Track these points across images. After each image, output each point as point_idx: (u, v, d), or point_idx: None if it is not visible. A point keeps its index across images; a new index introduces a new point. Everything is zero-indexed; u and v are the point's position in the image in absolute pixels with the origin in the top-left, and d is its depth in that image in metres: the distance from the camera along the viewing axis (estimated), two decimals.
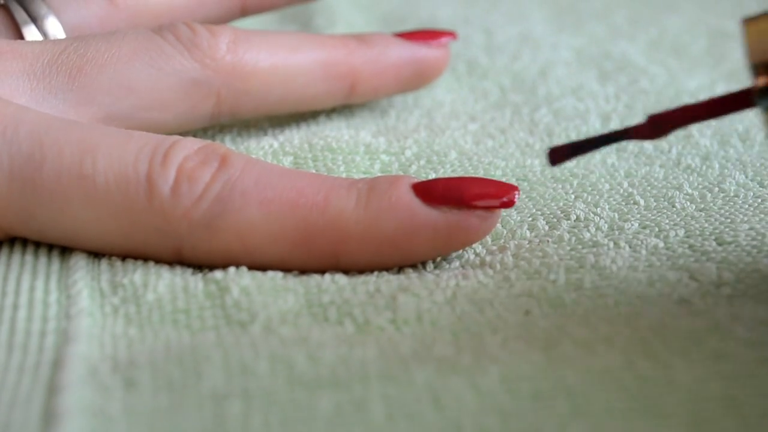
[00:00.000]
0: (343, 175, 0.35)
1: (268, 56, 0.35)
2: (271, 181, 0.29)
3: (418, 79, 0.38)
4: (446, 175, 0.35)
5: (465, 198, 0.29)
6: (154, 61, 0.33)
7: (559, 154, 0.28)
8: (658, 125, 0.27)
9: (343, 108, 0.40)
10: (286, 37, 0.36)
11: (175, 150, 0.29)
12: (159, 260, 0.30)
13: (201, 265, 0.29)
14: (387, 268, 0.30)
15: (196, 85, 0.34)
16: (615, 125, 0.39)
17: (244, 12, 0.38)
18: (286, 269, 0.29)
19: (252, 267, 0.29)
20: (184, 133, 0.38)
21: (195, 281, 0.29)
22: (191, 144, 0.29)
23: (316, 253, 0.29)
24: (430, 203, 0.29)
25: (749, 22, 0.25)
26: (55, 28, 0.35)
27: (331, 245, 0.29)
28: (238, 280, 0.29)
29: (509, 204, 0.29)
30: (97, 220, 0.29)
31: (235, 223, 0.29)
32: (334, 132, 0.37)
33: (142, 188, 0.28)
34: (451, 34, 0.39)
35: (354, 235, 0.29)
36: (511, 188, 0.29)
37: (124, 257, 0.30)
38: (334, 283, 0.29)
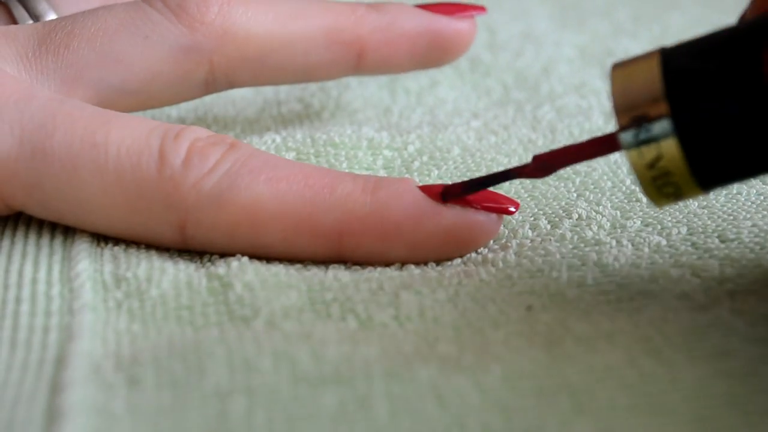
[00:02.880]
0: (346, 171, 0.35)
1: (265, 20, 0.33)
2: (279, 164, 0.29)
3: (437, 54, 0.35)
4: (449, 171, 0.35)
5: (468, 199, 0.29)
6: (140, 29, 0.32)
7: (451, 194, 0.29)
8: (543, 165, 0.28)
9: (347, 105, 0.40)
10: (288, 1, 0.34)
11: (187, 131, 0.29)
12: (161, 239, 0.30)
13: (203, 244, 0.30)
14: (390, 262, 0.30)
15: (185, 52, 0.33)
16: None
17: None
18: (288, 252, 0.29)
19: (254, 248, 0.29)
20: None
21: (198, 277, 0.29)
22: (201, 131, 0.30)
23: (320, 234, 0.29)
24: (435, 199, 0.29)
25: (617, 66, 0.25)
26: None
27: (335, 226, 0.29)
28: (242, 276, 0.29)
29: (509, 211, 0.30)
30: (104, 189, 0.29)
31: (243, 197, 0.29)
32: (337, 128, 0.37)
33: (154, 159, 0.29)
34: (480, 8, 0.36)
35: (359, 216, 0.29)
36: (510, 202, 0.30)
37: (126, 245, 0.30)
38: (337, 280, 0.29)
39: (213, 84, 0.34)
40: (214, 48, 0.33)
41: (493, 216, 0.30)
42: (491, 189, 0.30)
